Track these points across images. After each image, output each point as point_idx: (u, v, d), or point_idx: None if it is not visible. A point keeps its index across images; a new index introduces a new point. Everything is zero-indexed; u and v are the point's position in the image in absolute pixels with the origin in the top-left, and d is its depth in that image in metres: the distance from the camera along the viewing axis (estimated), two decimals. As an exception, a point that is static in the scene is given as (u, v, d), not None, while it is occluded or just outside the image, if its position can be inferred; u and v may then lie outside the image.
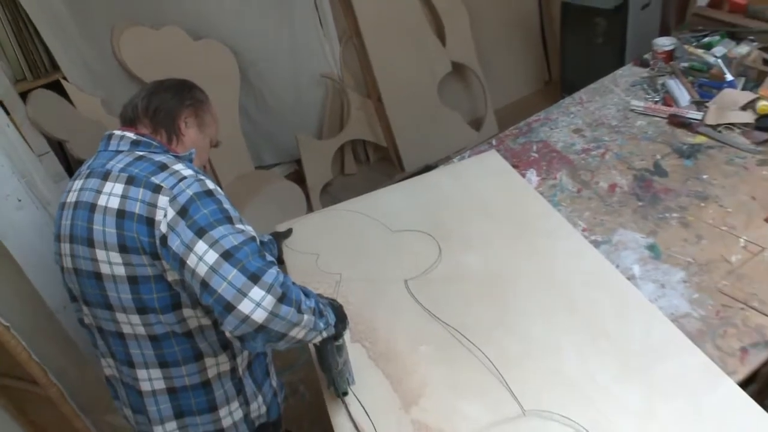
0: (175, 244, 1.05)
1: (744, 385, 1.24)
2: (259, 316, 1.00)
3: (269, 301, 1.01)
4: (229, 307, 1.00)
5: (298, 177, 3.24)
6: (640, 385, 1.21)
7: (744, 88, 2.03)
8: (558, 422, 1.17)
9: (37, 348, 1.40)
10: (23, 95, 2.29)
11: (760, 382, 1.36)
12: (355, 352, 1.39)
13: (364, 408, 1.25)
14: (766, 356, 1.31)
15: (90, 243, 1.14)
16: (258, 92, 3.05)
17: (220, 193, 1.14)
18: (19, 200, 1.40)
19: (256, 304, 1.00)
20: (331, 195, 3.26)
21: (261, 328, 1.02)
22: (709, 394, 1.17)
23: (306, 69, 3.09)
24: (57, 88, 2.40)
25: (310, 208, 3.04)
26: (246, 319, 1.00)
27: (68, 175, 2.44)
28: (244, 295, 1.00)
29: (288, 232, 1.81)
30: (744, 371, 1.28)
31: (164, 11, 2.59)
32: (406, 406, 1.26)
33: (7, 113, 1.80)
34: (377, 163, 3.48)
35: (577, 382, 1.24)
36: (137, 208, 1.10)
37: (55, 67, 2.42)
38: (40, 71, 2.40)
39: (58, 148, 2.47)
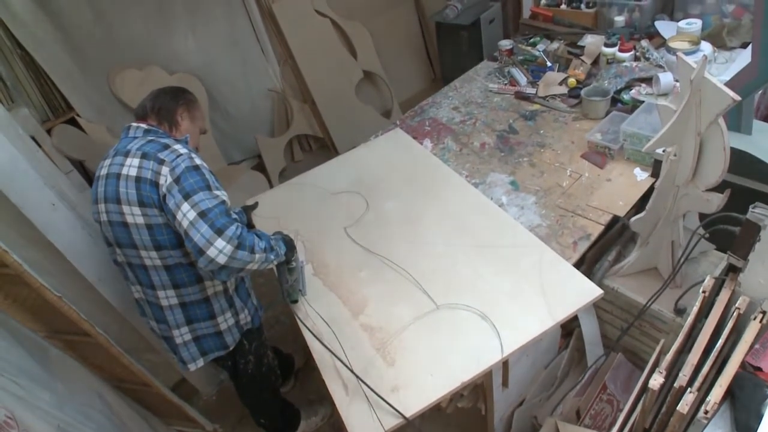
0: (170, 202, 1.06)
1: (577, 266, 1.30)
2: (221, 259, 1.03)
3: (228, 249, 1.03)
4: (201, 252, 1.02)
5: (260, 167, 3.10)
6: (511, 276, 1.24)
7: (558, 71, 2.08)
8: (461, 309, 1.19)
9: (84, 311, 1.36)
10: (49, 131, 2.25)
11: (586, 263, 1.42)
12: (314, 282, 1.35)
13: (323, 319, 1.22)
14: (588, 245, 1.38)
15: (118, 201, 1.12)
16: (222, 107, 2.90)
17: (204, 166, 1.12)
18: (53, 204, 1.36)
19: (219, 250, 1.02)
20: (286, 178, 3.02)
21: (223, 267, 1.04)
22: (555, 273, 1.22)
23: (256, 86, 2.94)
24: (73, 122, 2.36)
25: (272, 190, 2.90)
26: (212, 260, 1.02)
27: (89, 186, 2.35)
28: (211, 244, 1.02)
29: (255, 205, 1.70)
30: (576, 257, 1.35)
31: (146, 55, 2.52)
32: (354, 315, 1.24)
33: (39, 145, 1.80)
34: (318, 150, 3.35)
35: (470, 281, 1.25)
36: (149, 175, 1.09)
37: (70, 107, 2.37)
38: (59, 112, 2.36)
39: (80, 166, 2.40)
